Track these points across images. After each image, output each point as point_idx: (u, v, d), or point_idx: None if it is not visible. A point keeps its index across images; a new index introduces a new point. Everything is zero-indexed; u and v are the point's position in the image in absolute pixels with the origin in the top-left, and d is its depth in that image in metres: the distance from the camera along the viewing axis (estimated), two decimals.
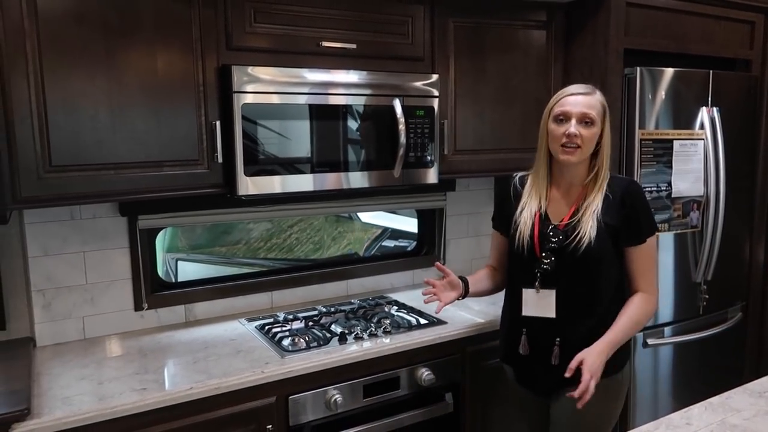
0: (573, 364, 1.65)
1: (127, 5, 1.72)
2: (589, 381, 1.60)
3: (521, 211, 1.81)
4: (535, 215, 1.79)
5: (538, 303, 1.77)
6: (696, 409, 1.54)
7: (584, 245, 1.70)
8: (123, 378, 1.74)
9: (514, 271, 1.86)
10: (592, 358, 1.64)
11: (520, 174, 1.91)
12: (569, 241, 1.72)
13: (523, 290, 1.79)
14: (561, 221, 1.77)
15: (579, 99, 1.71)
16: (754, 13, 2.70)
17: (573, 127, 1.70)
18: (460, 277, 1.92)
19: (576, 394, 1.60)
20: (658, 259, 2.46)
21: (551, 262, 1.74)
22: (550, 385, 1.79)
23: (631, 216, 1.74)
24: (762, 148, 2.84)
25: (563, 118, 1.72)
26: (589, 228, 1.71)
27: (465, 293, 1.92)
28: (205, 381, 1.71)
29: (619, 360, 1.77)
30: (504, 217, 1.91)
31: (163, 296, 2.21)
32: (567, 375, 1.65)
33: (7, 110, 1.59)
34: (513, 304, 1.85)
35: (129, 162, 1.77)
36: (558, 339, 1.75)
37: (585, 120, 1.70)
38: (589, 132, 1.70)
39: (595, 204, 1.73)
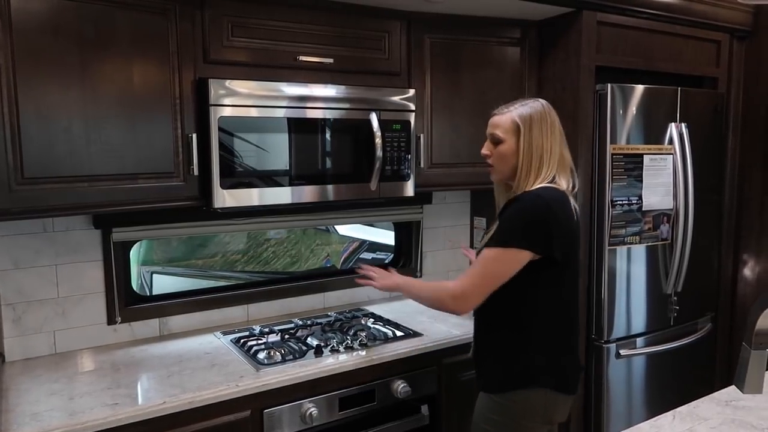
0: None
1: (103, 18, 1.72)
2: (369, 274, 2.01)
3: None
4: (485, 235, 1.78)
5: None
6: (665, 419, 1.57)
7: None
8: (95, 393, 1.72)
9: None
10: (388, 275, 2.00)
11: None
12: None
13: None
14: None
15: (491, 120, 1.75)
16: (719, 32, 2.79)
17: (484, 147, 1.75)
18: None
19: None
20: (630, 270, 2.53)
21: None
22: None
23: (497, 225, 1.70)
24: (729, 162, 2.93)
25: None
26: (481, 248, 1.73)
27: None
28: (178, 395, 1.70)
29: (503, 381, 1.69)
30: None
31: (137, 310, 2.19)
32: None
33: None
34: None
35: (103, 174, 1.76)
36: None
37: (493, 140, 1.73)
38: (497, 150, 1.71)
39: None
